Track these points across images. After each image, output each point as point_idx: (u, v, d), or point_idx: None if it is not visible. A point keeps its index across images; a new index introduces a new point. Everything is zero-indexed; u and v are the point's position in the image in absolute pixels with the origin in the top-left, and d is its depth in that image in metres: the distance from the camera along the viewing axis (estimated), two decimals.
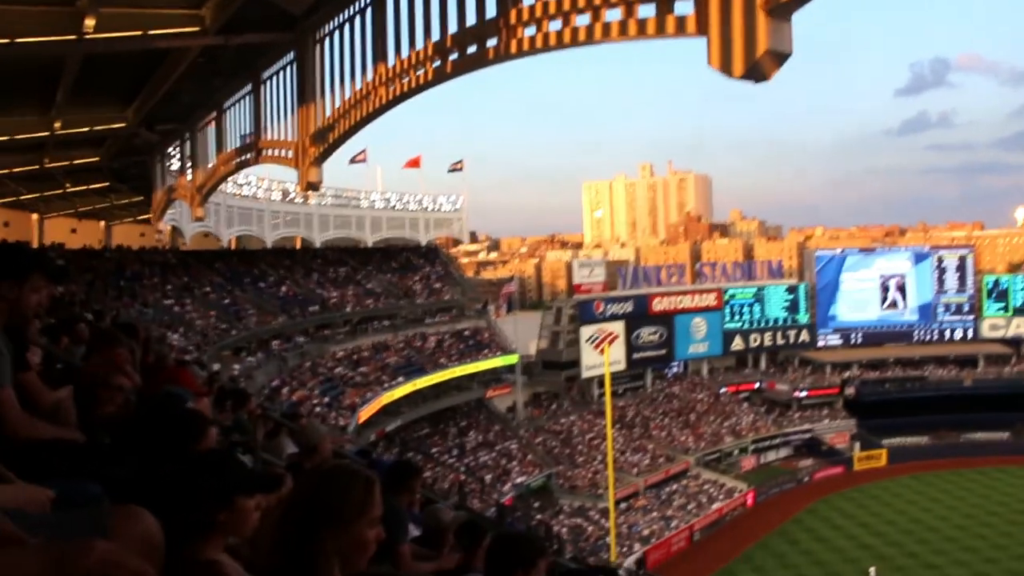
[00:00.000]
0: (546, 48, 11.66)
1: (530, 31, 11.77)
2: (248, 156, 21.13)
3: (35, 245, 38.82)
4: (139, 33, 14.92)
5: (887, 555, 45.71)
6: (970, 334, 74.44)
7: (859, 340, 74.36)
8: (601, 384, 57.39)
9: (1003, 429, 65.16)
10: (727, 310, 70.90)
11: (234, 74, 19.83)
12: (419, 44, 14.20)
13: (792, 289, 74.09)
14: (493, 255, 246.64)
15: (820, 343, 73.83)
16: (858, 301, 74.55)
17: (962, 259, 76.10)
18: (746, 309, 71.80)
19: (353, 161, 59.55)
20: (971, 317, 74.59)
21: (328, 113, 17.09)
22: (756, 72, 8.85)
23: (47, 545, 1.62)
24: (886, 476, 60.76)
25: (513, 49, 12.08)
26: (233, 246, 57.11)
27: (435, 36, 13.76)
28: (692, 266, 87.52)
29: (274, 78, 19.07)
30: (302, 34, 17.27)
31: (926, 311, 74.74)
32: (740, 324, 71.50)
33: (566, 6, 11.00)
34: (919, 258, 76.00)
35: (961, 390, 69.21)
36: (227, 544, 2.70)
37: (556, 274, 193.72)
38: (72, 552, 1.53)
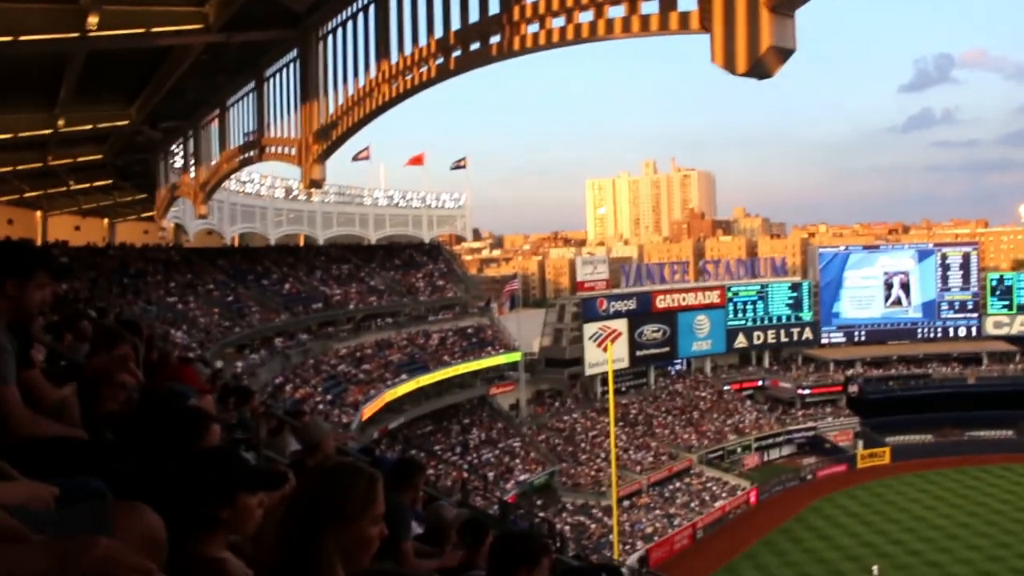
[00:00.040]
0: (549, 45, 11.66)
1: (533, 28, 11.76)
2: (251, 153, 21.17)
3: (39, 242, 38.85)
4: (142, 30, 14.94)
5: (890, 553, 45.67)
6: (974, 332, 74.28)
7: (862, 338, 74.30)
8: (604, 382, 57.36)
9: (1007, 427, 65.01)
10: (730, 307, 70.84)
11: (237, 71, 19.86)
12: (422, 41, 14.21)
13: (795, 286, 74.01)
14: (496, 252, 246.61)
15: (823, 341, 73.78)
16: (862, 299, 74.48)
17: (966, 256, 75.93)
18: (749, 307, 71.74)
19: (356, 158, 59.67)
20: (975, 315, 74.44)
21: (331, 110, 17.11)
22: (759, 69, 8.84)
23: (51, 542, 1.62)
24: (889, 474, 60.69)
25: (516, 46, 12.08)
26: (236, 243, 57.14)
27: (438, 33, 13.76)
28: (695, 263, 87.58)
29: (277, 75, 19.10)
30: (305, 31, 17.28)
31: (930, 309, 74.62)
32: (743, 322, 71.45)
33: (569, 3, 11.00)
34: (923, 255, 75.85)
35: (965, 388, 69.10)
36: (230, 541, 2.71)
37: (559, 271, 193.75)
38: (75, 549, 1.53)
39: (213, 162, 24.23)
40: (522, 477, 51.73)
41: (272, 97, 19.49)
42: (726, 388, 69.46)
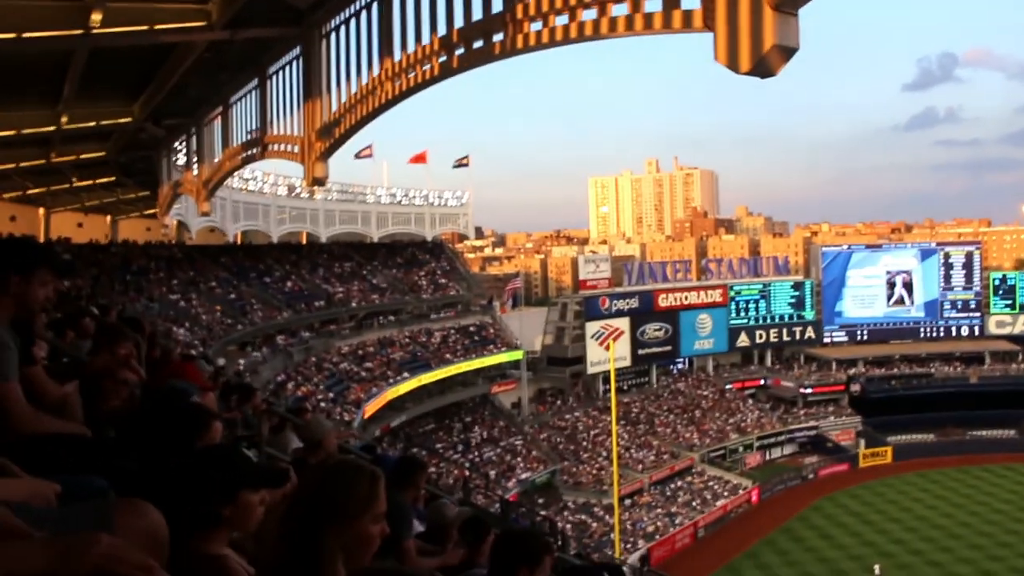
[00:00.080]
0: (552, 43, 11.64)
1: (536, 26, 11.75)
2: (254, 151, 21.17)
3: (42, 239, 38.92)
4: (146, 28, 14.94)
5: (891, 552, 45.65)
6: (976, 331, 74.21)
7: (865, 337, 74.26)
8: (606, 380, 57.37)
9: (1009, 427, 64.96)
10: (732, 306, 70.81)
11: (240, 69, 19.87)
12: (425, 39, 14.20)
13: (798, 285, 73.95)
14: (499, 251, 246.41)
15: (826, 340, 73.76)
16: (864, 298, 74.42)
17: (969, 256, 75.84)
18: (752, 305, 71.70)
19: (359, 156, 59.68)
20: (977, 314, 74.37)
21: (334, 108, 17.10)
22: (763, 67, 8.81)
23: (53, 539, 1.62)
24: (891, 473, 60.66)
25: (519, 44, 12.06)
26: (239, 241, 57.21)
27: (441, 31, 13.75)
28: (698, 262, 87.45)
29: (280, 73, 19.09)
30: (308, 29, 17.28)
31: (932, 308, 74.54)
32: (746, 320, 71.42)
33: (572, 1, 10.98)
34: (925, 255, 75.78)
35: (967, 387, 69.06)
36: (232, 539, 2.71)
37: (562, 270, 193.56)
38: (77, 546, 1.53)
39: (216, 159, 24.24)
40: (524, 475, 51.76)
41: (275, 94, 19.49)
42: (728, 387, 69.42)
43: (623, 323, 64.07)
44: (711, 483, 56.14)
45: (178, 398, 4.54)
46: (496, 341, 60.75)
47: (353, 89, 16.37)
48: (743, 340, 71.57)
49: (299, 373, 44.57)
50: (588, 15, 10.87)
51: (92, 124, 22.58)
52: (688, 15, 9.55)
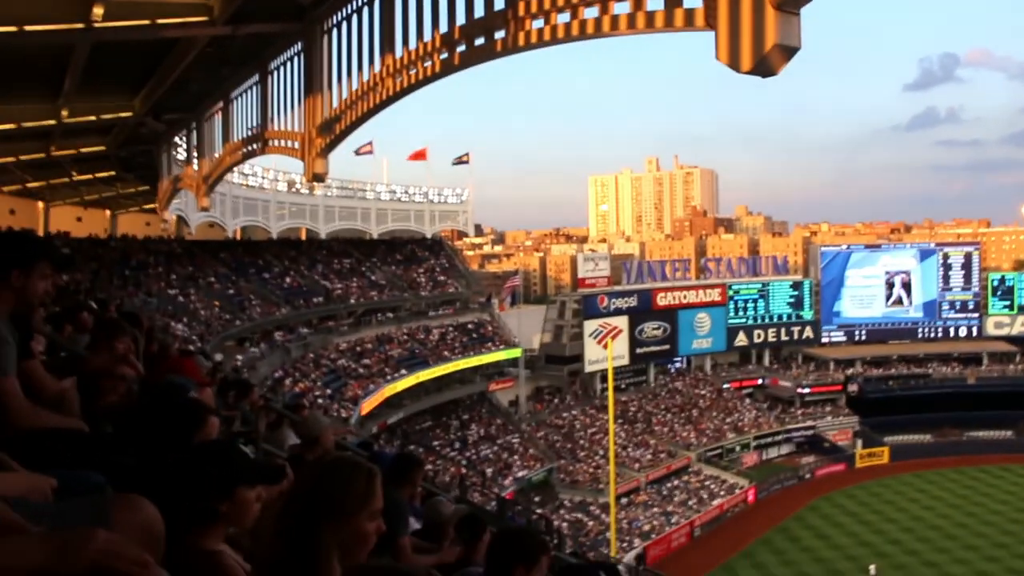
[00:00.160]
0: (554, 41, 11.62)
1: (538, 23, 11.73)
2: (254, 146, 21.14)
3: (41, 233, 38.90)
4: (147, 22, 14.92)
5: (888, 552, 45.74)
6: (975, 332, 74.30)
7: (863, 337, 74.32)
8: (604, 379, 57.41)
9: (1006, 427, 65.08)
10: (731, 306, 70.83)
11: (242, 64, 19.84)
12: (427, 36, 14.17)
13: (797, 285, 73.98)
14: (498, 248, 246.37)
15: (824, 339, 73.81)
16: (863, 298, 74.47)
17: (968, 256, 75.91)
18: (750, 305, 71.73)
19: (359, 152, 59.65)
20: (976, 315, 74.45)
21: (335, 104, 17.07)
22: (764, 66, 8.80)
23: (49, 533, 1.62)
24: (888, 474, 60.75)
25: (521, 41, 12.04)
26: (238, 236, 57.17)
27: (443, 28, 13.72)
28: (697, 261, 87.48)
29: (281, 68, 19.06)
30: (310, 24, 17.25)
31: (931, 308, 74.62)
32: (744, 320, 71.45)
33: None
34: (924, 255, 75.83)
35: (965, 388, 69.15)
36: (228, 534, 2.71)
37: (561, 268, 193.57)
38: (74, 541, 1.53)
39: (216, 154, 24.21)
40: (520, 473, 51.78)
41: (276, 90, 19.46)
42: (726, 386, 69.49)
43: (621, 322, 64.09)
44: (708, 482, 56.20)
45: (175, 394, 4.54)
46: (494, 339, 60.76)
47: (354, 85, 16.34)
48: (741, 339, 71.61)
49: (297, 369, 44.58)
50: (590, 13, 10.85)
51: (93, 118, 22.55)
52: (690, 13, 9.53)
